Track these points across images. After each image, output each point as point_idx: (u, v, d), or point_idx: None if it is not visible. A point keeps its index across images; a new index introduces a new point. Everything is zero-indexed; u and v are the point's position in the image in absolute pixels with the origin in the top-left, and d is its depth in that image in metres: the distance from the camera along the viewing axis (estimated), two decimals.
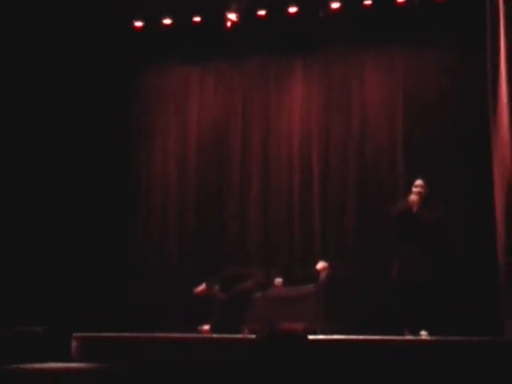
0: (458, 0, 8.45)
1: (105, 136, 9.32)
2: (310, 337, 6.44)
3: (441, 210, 7.25)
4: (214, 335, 7.42)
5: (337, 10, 8.88)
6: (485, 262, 7.54)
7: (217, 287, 8.12)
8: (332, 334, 6.99)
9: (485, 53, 7.55)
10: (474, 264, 7.82)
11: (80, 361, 6.76)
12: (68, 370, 6.22)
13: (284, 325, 7.07)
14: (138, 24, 9.44)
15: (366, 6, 8.86)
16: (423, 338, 6.66)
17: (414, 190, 7.34)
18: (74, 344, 6.95)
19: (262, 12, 9.17)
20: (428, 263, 7.05)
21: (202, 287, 8.19)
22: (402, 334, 6.83)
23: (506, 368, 5.12)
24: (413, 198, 7.28)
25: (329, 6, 8.87)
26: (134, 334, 7.23)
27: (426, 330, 6.79)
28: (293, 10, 9.01)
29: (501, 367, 5.16)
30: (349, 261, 8.43)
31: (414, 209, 7.26)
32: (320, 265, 7.82)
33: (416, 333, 6.77)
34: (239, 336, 7.21)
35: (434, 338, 6.46)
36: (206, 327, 7.77)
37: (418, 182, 7.38)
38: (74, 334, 7.00)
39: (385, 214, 7.71)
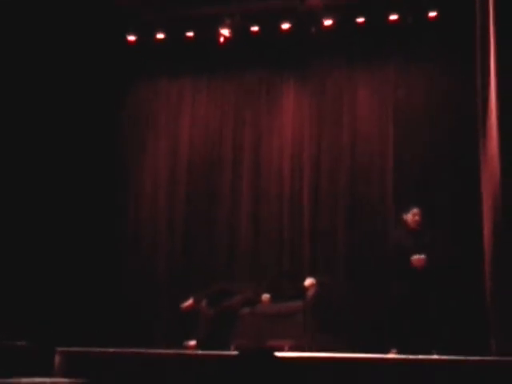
0: (448, 18, 8.50)
1: (95, 147, 9.30)
2: (296, 354, 6.42)
3: (431, 235, 7.53)
4: (200, 351, 7.35)
5: (329, 26, 8.92)
6: (472, 281, 7.52)
7: (204, 303, 8.04)
8: (319, 351, 6.92)
9: (474, 69, 7.60)
10: (461, 283, 7.79)
11: (63, 376, 6.68)
12: None
13: (269, 342, 7.05)
14: (132, 38, 9.46)
15: (358, 22, 8.89)
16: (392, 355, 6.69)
17: (413, 217, 7.56)
18: (57, 359, 6.87)
19: (254, 28, 9.21)
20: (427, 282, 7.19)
21: (189, 302, 8.11)
22: (388, 351, 6.79)
23: None
24: (417, 219, 7.57)
25: (321, 23, 8.91)
26: (120, 350, 7.15)
27: (397, 348, 6.91)
28: (285, 26, 9.04)
29: None
30: (338, 277, 8.40)
31: (418, 228, 7.55)
32: (308, 281, 7.76)
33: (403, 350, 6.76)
34: (226, 352, 7.15)
35: (412, 357, 6.42)
36: (193, 343, 7.70)
37: (415, 210, 7.59)
38: (58, 349, 6.92)
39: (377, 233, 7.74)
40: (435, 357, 6.40)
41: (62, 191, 8.79)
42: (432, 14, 8.61)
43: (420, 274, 7.24)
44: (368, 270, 8.31)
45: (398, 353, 6.81)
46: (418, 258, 7.30)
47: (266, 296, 7.89)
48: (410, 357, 6.34)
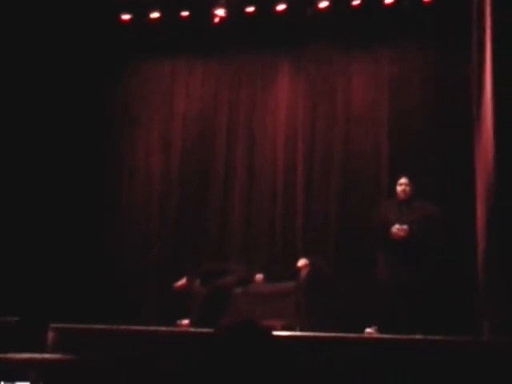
0: (445, 2, 8.47)
1: (88, 128, 9.28)
2: (288, 333, 6.46)
3: (435, 207, 7.34)
4: (193, 329, 7.37)
5: (325, 8, 8.91)
6: (464, 264, 7.56)
7: (197, 282, 8.08)
8: (311, 331, 6.96)
9: (470, 53, 7.60)
10: (454, 266, 7.84)
11: (56, 352, 6.69)
12: (44, 360, 6.14)
13: (262, 321, 7.07)
14: (126, 17, 9.41)
15: (354, 5, 8.88)
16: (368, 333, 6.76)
17: (399, 187, 7.38)
18: (50, 335, 6.87)
19: (250, 8, 9.18)
20: (415, 263, 7.10)
21: (182, 281, 8.15)
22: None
23: (484, 369, 5.11)
24: (405, 189, 7.39)
25: (317, 5, 8.89)
26: (112, 327, 7.17)
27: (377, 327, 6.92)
28: (281, 7, 9.01)
29: (480, 368, 5.16)
30: (331, 259, 8.43)
31: (406, 199, 7.37)
32: (301, 262, 7.79)
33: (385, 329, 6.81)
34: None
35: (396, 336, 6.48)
36: (186, 321, 7.73)
37: (403, 180, 7.45)
38: (51, 325, 6.92)
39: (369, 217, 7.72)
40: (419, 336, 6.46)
41: (53, 172, 8.76)
42: None
43: (407, 250, 7.07)
44: (359, 252, 8.32)
45: (378, 330, 6.86)
46: (398, 228, 7.06)
47: (259, 276, 7.93)
48: (399, 336, 6.43)
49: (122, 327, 7.10)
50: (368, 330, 6.95)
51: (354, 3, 8.85)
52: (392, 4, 8.75)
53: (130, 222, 9.36)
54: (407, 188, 7.43)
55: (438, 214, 7.27)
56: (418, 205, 7.41)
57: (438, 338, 6.04)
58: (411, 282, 7.01)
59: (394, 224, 7.19)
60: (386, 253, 7.22)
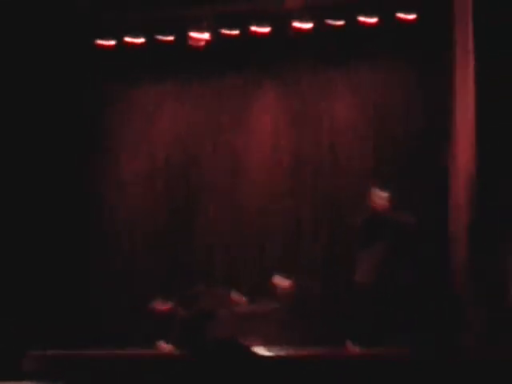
0: (425, 21, 8.50)
1: (72, 149, 9.26)
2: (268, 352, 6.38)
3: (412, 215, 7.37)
4: (174, 352, 7.29)
5: (307, 30, 8.90)
6: (442, 275, 7.50)
7: (181, 305, 7.98)
8: (293, 348, 6.91)
9: (451, 72, 7.64)
10: (431, 279, 7.79)
11: (33, 379, 6.58)
12: None
13: (245, 341, 6.96)
14: (110, 42, 9.41)
15: (336, 26, 8.89)
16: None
17: (380, 201, 7.44)
18: (26, 362, 6.78)
19: (233, 31, 9.17)
20: (392, 269, 7.13)
21: (165, 304, 8.06)
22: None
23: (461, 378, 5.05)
24: (383, 203, 7.42)
25: (299, 27, 8.88)
26: (92, 351, 7.08)
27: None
28: (264, 30, 9.02)
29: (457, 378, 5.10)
30: (316, 277, 8.41)
31: (383, 213, 7.40)
32: (283, 282, 7.74)
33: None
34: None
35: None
36: (166, 344, 7.62)
37: (384, 194, 7.49)
38: (28, 352, 6.83)
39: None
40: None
41: (33, 186, 8.74)
42: (409, 16, 8.62)
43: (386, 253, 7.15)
44: (347, 275, 8.24)
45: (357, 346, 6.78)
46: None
47: (241, 297, 7.87)
48: (378, 351, 6.37)
49: (101, 352, 7.02)
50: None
51: (336, 23, 8.86)
52: (374, 24, 8.76)
53: (113, 244, 9.29)
54: (386, 203, 7.40)
55: (412, 224, 7.26)
56: (394, 216, 7.41)
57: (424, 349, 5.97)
58: (391, 283, 7.06)
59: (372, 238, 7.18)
60: (367, 255, 7.22)
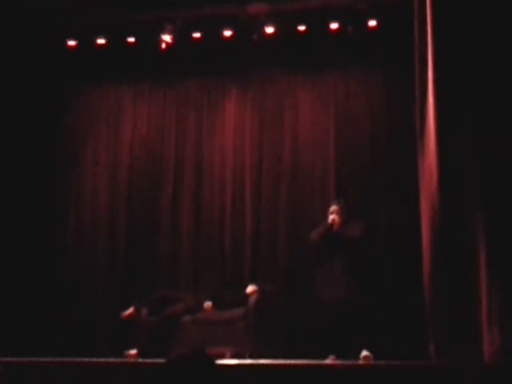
0: (388, 28, 8.63)
1: (33, 155, 9.14)
2: (237, 361, 6.42)
3: (361, 226, 7.41)
4: (141, 360, 7.28)
5: (271, 34, 8.96)
6: (410, 287, 7.62)
7: (145, 311, 7.98)
8: (261, 358, 6.93)
9: (413, 78, 7.72)
10: (400, 289, 7.92)
11: None
12: None
13: (211, 349, 7.02)
14: (71, 43, 9.32)
15: (299, 31, 8.96)
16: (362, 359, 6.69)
17: (331, 215, 7.46)
18: None
19: (196, 34, 9.18)
20: (351, 283, 7.12)
21: (129, 310, 8.04)
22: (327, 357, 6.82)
23: None
24: (333, 218, 7.40)
25: (263, 30, 8.94)
26: (59, 359, 7.04)
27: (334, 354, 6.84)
28: (228, 33, 9.04)
29: None
30: (279, 285, 8.42)
31: (335, 228, 7.37)
32: (250, 288, 7.78)
33: (342, 356, 6.77)
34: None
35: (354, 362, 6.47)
36: (133, 352, 7.61)
37: (334, 207, 7.52)
38: None
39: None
40: (368, 360, 6.48)
41: None
42: (371, 23, 8.73)
43: (342, 271, 7.16)
44: (309, 277, 8.32)
45: (336, 358, 6.84)
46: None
47: (207, 303, 7.88)
48: (348, 362, 6.42)
49: (69, 360, 6.97)
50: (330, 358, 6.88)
51: (300, 29, 8.93)
52: (337, 29, 8.85)
53: (77, 251, 9.22)
54: (336, 217, 7.45)
55: (358, 237, 7.34)
56: (353, 223, 7.47)
57: (392, 362, 6.06)
58: (350, 301, 7.07)
59: (325, 248, 7.29)
60: (323, 274, 7.27)
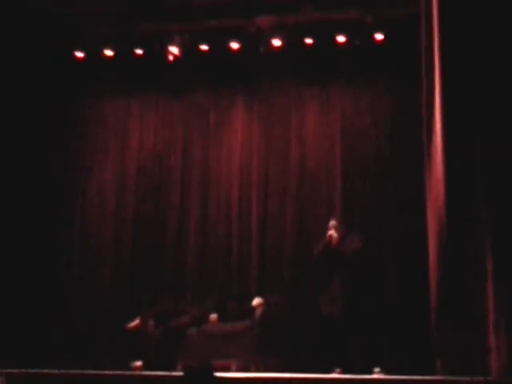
0: (394, 41, 8.65)
1: (40, 166, 9.19)
2: (243, 374, 6.40)
3: (360, 239, 7.40)
4: (147, 372, 7.26)
5: (278, 47, 8.99)
6: (417, 302, 7.60)
7: (151, 322, 7.97)
8: (266, 371, 6.91)
9: (420, 92, 7.72)
10: (406, 304, 7.90)
11: None
12: None
13: (216, 362, 7.01)
14: (80, 54, 9.36)
15: (307, 44, 8.98)
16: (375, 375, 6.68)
17: (329, 231, 7.44)
18: (0, 380, 6.71)
19: (204, 47, 9.21)
20: (350, 301, 7.12)
21: (135, 322, 8.04)
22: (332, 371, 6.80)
23: None
24: (331, 234, 7.39)
25: (270, 43, 8.97)
26: (64, 371, 7.01)
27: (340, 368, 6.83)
28: (235, 45, 9.07)
29: None
30: (285, 298, 8.41)
31: (333, 244, 7.36)
32: (256, 301, 7.77)
33: (346, 370, 6.76)
34: (172, 373, 7.07)
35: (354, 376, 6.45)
36: (139, 363, 7.60)
37: (332, 223, 7.50)
38: (1, 370, 6.76)
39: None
40: (378, 376, 6.45)
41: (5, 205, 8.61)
42: (379, 36, 8.76)
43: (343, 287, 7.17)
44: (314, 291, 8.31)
45: (342, 372, 6.81)
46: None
47: (213, 316, 7.88)
48: (354, 376, 6.39)
49: (74, 371, 6.95)
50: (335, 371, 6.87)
51: (307, 41, 8.96)
52: (344, 43, 8.87)
53: (83, 262, 9.23)
54: (334, 234, 7.43)
55: (357, 251, 7.33)
56: (352, 237, 7.47)
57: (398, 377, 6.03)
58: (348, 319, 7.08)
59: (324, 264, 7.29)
60: (324, 291, 7.28)
